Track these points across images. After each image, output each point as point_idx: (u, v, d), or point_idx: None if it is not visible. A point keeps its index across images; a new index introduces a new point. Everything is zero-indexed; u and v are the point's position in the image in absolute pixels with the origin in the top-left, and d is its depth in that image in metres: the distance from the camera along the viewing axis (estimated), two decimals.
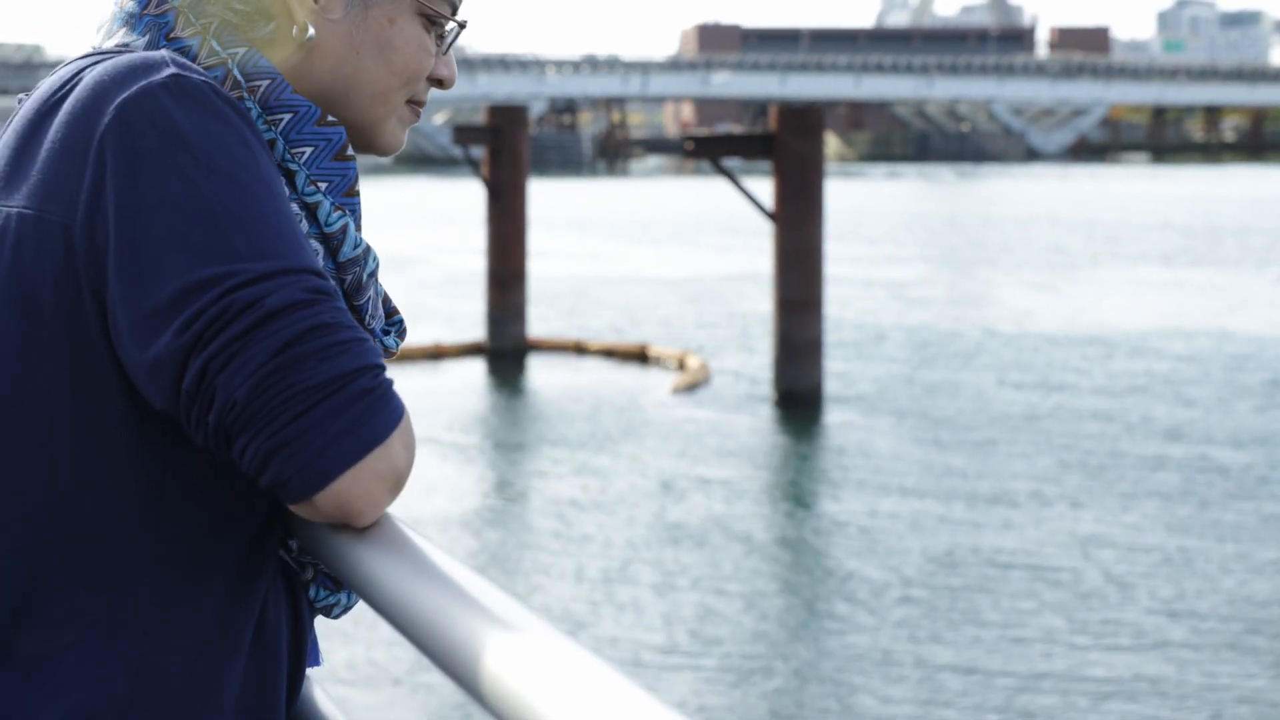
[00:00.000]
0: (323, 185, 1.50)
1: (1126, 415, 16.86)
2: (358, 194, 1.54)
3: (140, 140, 1.37)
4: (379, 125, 1.59)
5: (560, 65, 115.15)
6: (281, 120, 1.50)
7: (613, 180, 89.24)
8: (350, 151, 1.53)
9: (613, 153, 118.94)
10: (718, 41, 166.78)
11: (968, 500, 13.09)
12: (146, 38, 1.52)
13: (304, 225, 1.49)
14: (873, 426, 16.31)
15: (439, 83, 1.63)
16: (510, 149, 22.01)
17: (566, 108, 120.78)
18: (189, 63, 1.46)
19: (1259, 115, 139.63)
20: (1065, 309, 26.18)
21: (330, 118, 1.52)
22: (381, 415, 1.34)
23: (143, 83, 1.40)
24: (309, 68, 1.54)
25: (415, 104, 1.62)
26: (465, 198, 45.23)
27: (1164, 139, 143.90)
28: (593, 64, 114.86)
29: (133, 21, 1.54)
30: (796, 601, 10.39)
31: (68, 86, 1.45)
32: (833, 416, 16.92)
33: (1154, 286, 29.89)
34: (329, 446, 1.31)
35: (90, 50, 1.53)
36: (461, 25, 1.63)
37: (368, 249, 1.52)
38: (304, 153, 1.50)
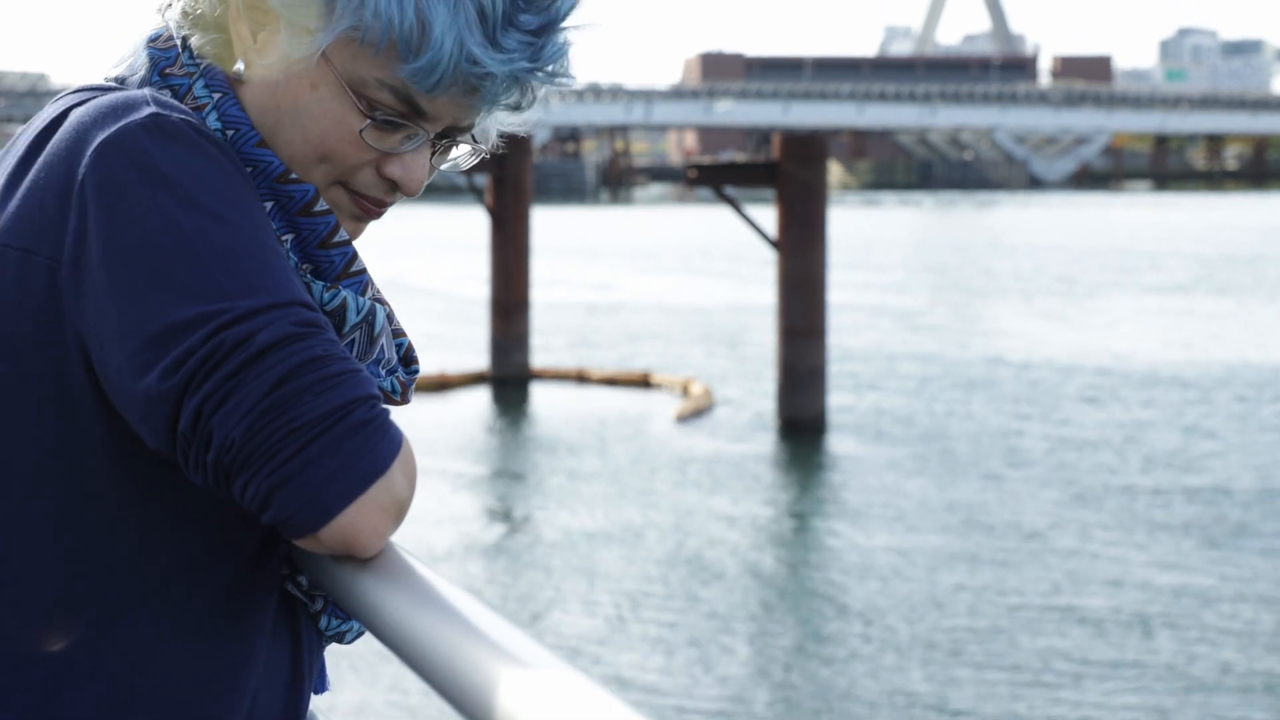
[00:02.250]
0: (289, 238, 1.48)
1: (1135, 446, 16.83)
2: (339, 244, 1.50)
3: (120, 179, 1.36)
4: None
5: (564, 93, 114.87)
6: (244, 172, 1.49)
7: (616, 208, 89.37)
8: (320, 206, 1.49)
9: (616, 181, 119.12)
10: (721, 70, 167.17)
11: (972, 532, 13.06)
12: (142, 73, 1.53)
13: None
14: (876, 455, 16.29)
15: (394, 185, 1.53)
16: (514, 177, 22.04)
17: (570, 136, 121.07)
18: (172, 101, 1.45)
19: (1261, 144, 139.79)
20: (1073, 338, 26.16)
21: (293, 175, 1.48)
22: (380, 445, 1.33)
23: (122, 122, 1.40)
24: (245, 108, 1.50)
25: (360, 196, 1.53)
26: (469, 225, 45.31)
27: (1167, 167, 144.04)
28: (596, 92, 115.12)
29: (139, 52, 1.55)
30: (801, 633, 10.35)
31: (54, 123, 1.45)
32: (836, 445, 16.90)
33: (1164, 315, 29.87)
34: (330, 481, 1.30)
35: (82, 86, 1.52)
36: (446, 135, 1.53)
37: (373, 309, 1.50)
38: (265, 207, 1.48)
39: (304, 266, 1.49)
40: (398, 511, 1.35)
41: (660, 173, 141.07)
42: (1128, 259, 43.88)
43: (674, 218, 73.01)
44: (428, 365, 21.62)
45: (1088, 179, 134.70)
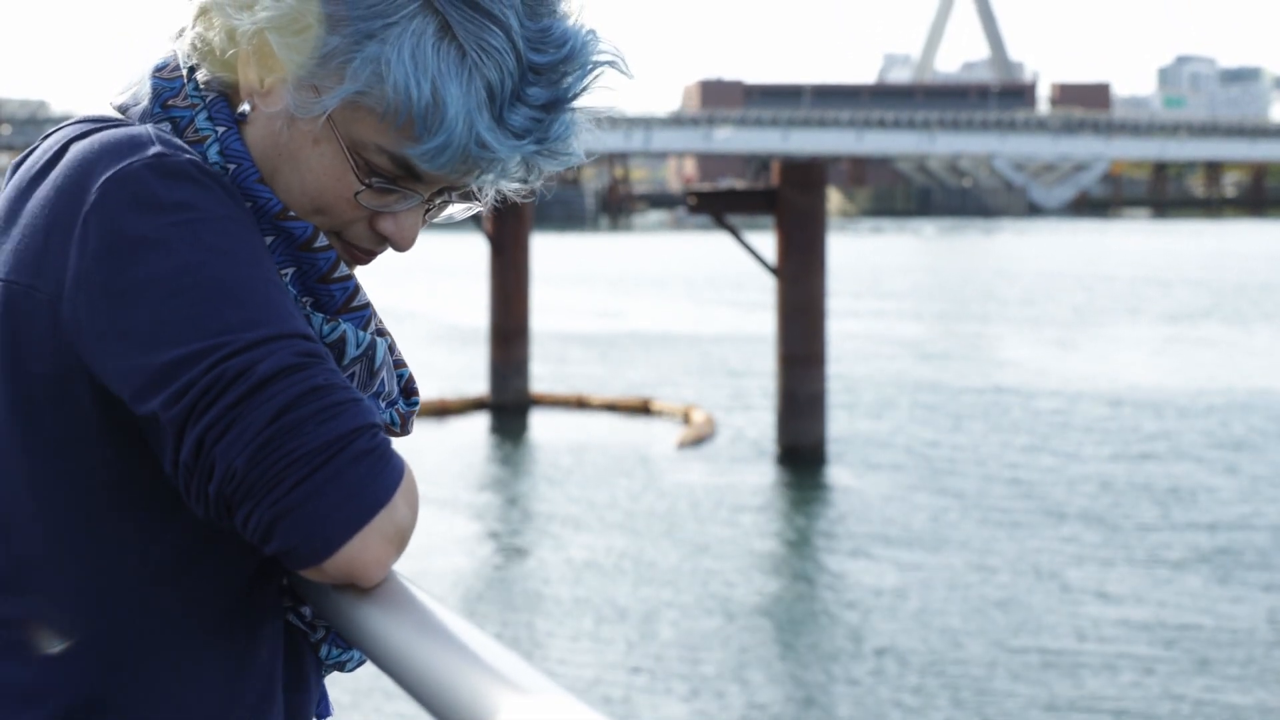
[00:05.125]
0: (289, 270, 1.49)
1: (1144, 477, 16.81)
2: (340, 278, 1.50)
3: (124, 217, 1.37)
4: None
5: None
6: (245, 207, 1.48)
7: (615, 235, 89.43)
8: (321, 243, 1.49)
9: (615, 208, 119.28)
10: (720, 97, 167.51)
11: (974, 562, 13.04)
12: (144, 103, 1.53)
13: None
14: (877, 484, 16.27)
15: (386, 239, 1.54)
16: (513, 204, 21.95)
17: None
18: (174, 139, 1.45)
19: (1260, 171, 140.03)
20: (1081, 366, 26.15)
21: (292, 212, 1.48)
22: (383, 475, 1.33)
23: (126, 161, 1.40)
24: (247, 147, 1.51)
25: (352, 246, 1.54)
26: (468, 252, 45.33)
27: (1165, 194, 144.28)
28: (595, 119, 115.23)
29: (144, 81, 1.55)
30: (802, 664, 10.33)
31: (53, 157, 1.46)
32: (836, 472, 16.88)
33: (1175, 344, 29.86)
34: (334, 512, 1.30)
35: (83, 117, 1.53)
36: (438, 195, 1.53)
37: (373, 343, 1.51)
38: (267, 241, 1.48)
39: (304, 300, 1.49)
40: (401, 541, 1.34)
41: (659, 199, 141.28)
42: (1134, 287, 43.90)
43: (673, 245, 73.07)
44: (428, 391, 21.59)
45: (1086, 206, 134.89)
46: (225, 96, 1.52)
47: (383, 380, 1.54)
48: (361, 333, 1.50)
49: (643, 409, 20.96)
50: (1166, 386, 23.25)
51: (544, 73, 1.44)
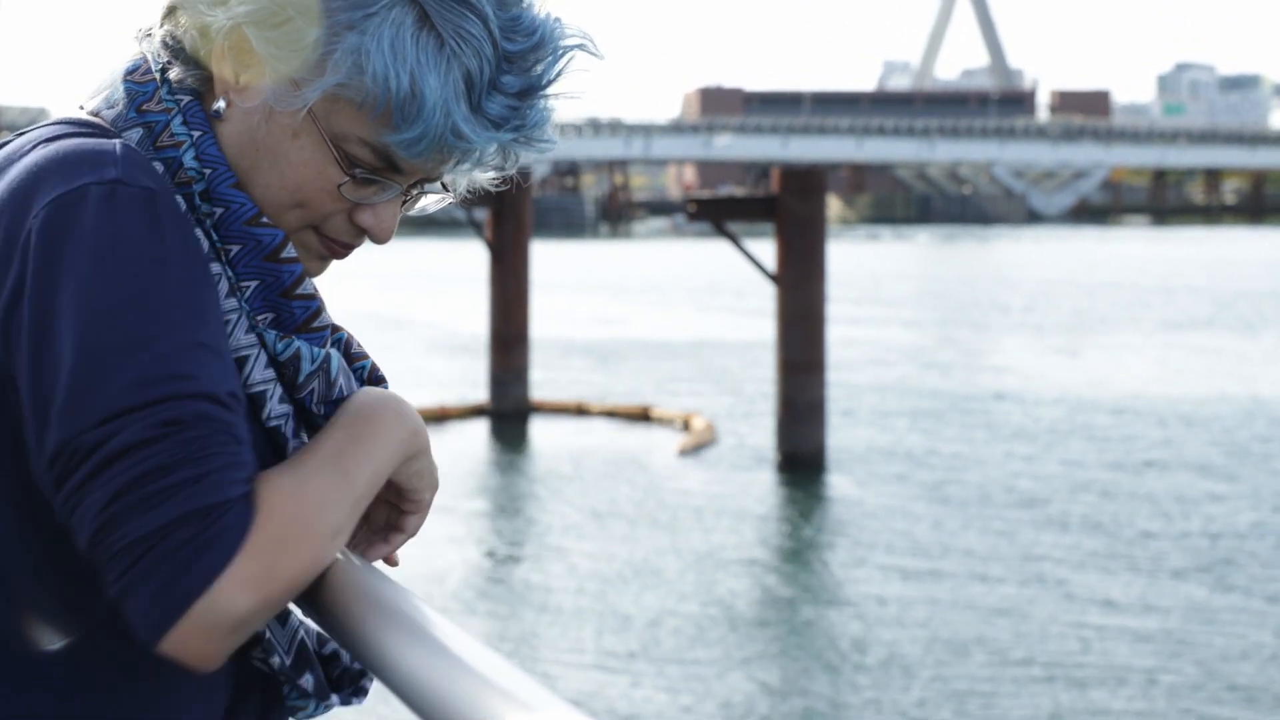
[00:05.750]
0: (252, 284, 1.47)
1: (1147, 486, 16.79)
2: (303, 296, 1.49)
3: (57, 246, 1.35)
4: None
5: (563, 128, 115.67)
6: (215, 213, 1.47)
7: (615, 242, 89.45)
8: (288, 253, 1.48)
9: (615, 215, 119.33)
10: (720, 104, 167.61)
11: (975, 571, 13.02)
12: (119, 108, 1.51)
13: (260, 355, 1.47)
14: (877, 491, 16.26)
15: (365, 231, 1.54)
16: (513, 211, 22.06)
17: (569, 170, 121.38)
18: (140, 156, 1.43)
19: (1259, 178, 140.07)
20: (1077, 373, 26.14)
21: (264, 219, 1.48)
22: (202, 564, 1.29)
23: (80, 182, 1.38)
24: (222, 145, 1.50)
25: (330, 240, 1.54)
26: (468, 259, 45.35)
27: (1165, 201, 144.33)
28: (595, 127, 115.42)
29: (116, 84, 1.53)
30: (803, 673, 10.31)
31: (19, 157, 1.44)
32: (836, 479, 16.87)
33: (1179, 351, 29.85)
34: (150, 608, 1.29)
35: (58, 119, 1.51)
36: (415, 186, 1.54)
37: (328, 356, 1.50)
38: (231, 250, 1.47)
39: (263, 316, 1.48)
40: (234, 626, 1.31)
41: (659, 207, 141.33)
42: (1135, 294, 43.89)
43: (673, 252, 73.09)
44: (427, 398, 21.61)
45: (1086, 213, 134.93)
46: (198, 96, 1.50)
47: (340, 386, 1.52)
48: (317, 349, 1.49)
49: (643, 416, 20.95)
50: (1169, 394, 23.23)
51: (516, 61, 1.45)
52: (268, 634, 1.48)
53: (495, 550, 13.79)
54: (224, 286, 1.46)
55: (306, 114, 1.46)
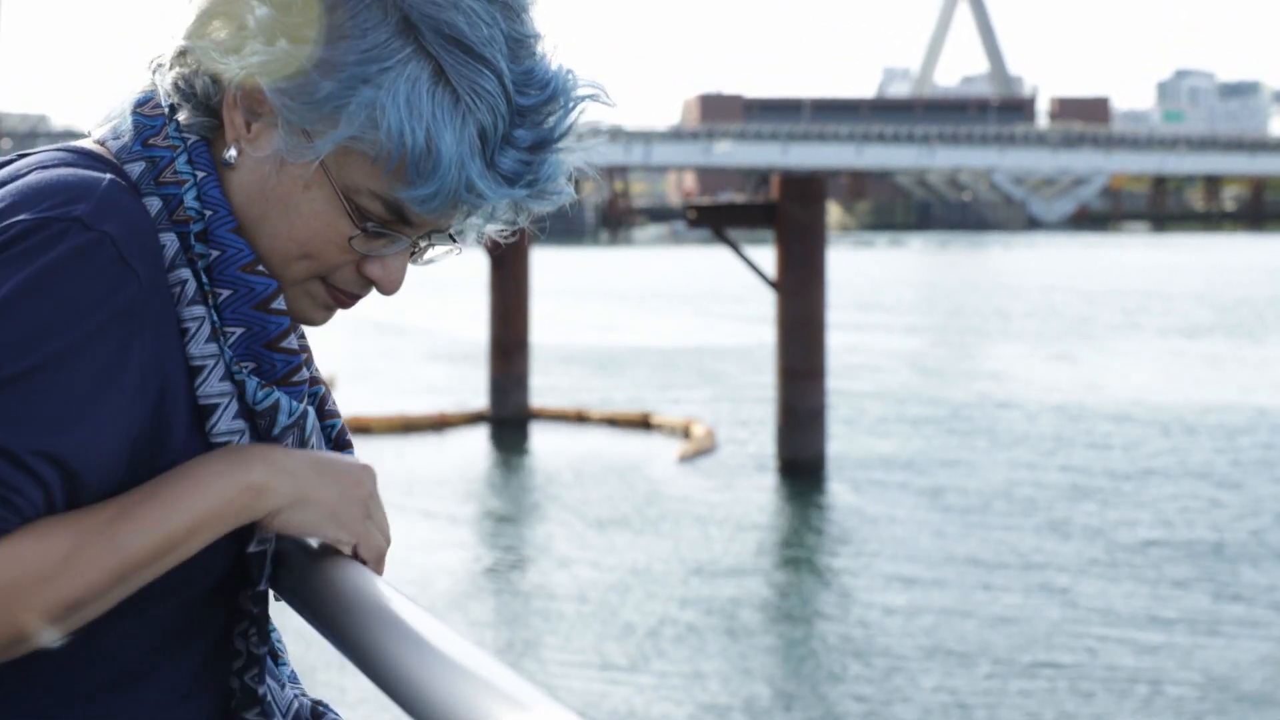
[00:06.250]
0: (237, 331, 1.46)
1: (1149, 495, 16.77)
2: (287, 350, 1.49)
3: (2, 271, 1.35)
4: (280, 286, 1.50)
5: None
6: (210, 255, 1.46)
7: (615, 249, 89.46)
8: (278, 305, 1.48)
9: (615, 221, 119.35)
10: (720, 111, 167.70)
11: (975, 578, 13.01)
12: (125, 139, 1.50)
13: (230, 405, 1.46)
14: (877, 498, 16.24)
15: (372, 283, 1.53)
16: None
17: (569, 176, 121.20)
18: (120, 200, 1.42)
19: (1259, 185, 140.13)
20: (1078, 380, 26.13)
21: (260, 268, 1.47)
22: None
23: (48, 213, 1.37)
24: (230, 192, 1.49)
25: (337, 290, 1.53)
26: (468, 266, 45.39)
27: (1165, 208, 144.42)
28: (595, 133, 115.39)
29: (124, 115, 1.52)
30: (804, 679, 10.30)
31: (12, 179, 1.43)
32: (836, 487, 16.86)
33: (1182, 358, 29.84)
34: None
35: (63, 146, 1.50)
36: (424, 237, 1.53)
37: (305, 412, 1.50)
38: (221, 294, 1.46)
39: (245, 364, 1.47)
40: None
41: (659, 213, 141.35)
42: (1136, 301, 43.87)
43: (673, 258, 73.10)
44: (426, 405, 21.62)
45: (1086, 220, 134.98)
46: (206, 140, 1.50)
47: (312, 444, 1.52)
48: (295, 403, 1.49)
49: (643, 423, 20.94)
50: (1170, 401, 23.22)
51: (529, 115, 1.45)
52: (268, 697, 1.49)
53: (495, 557, 13.78)
54: (205, 330, 1.45)
55: (318, 166, 1.45)
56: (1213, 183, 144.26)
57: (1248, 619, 11.52)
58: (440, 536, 14.17)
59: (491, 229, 1.56)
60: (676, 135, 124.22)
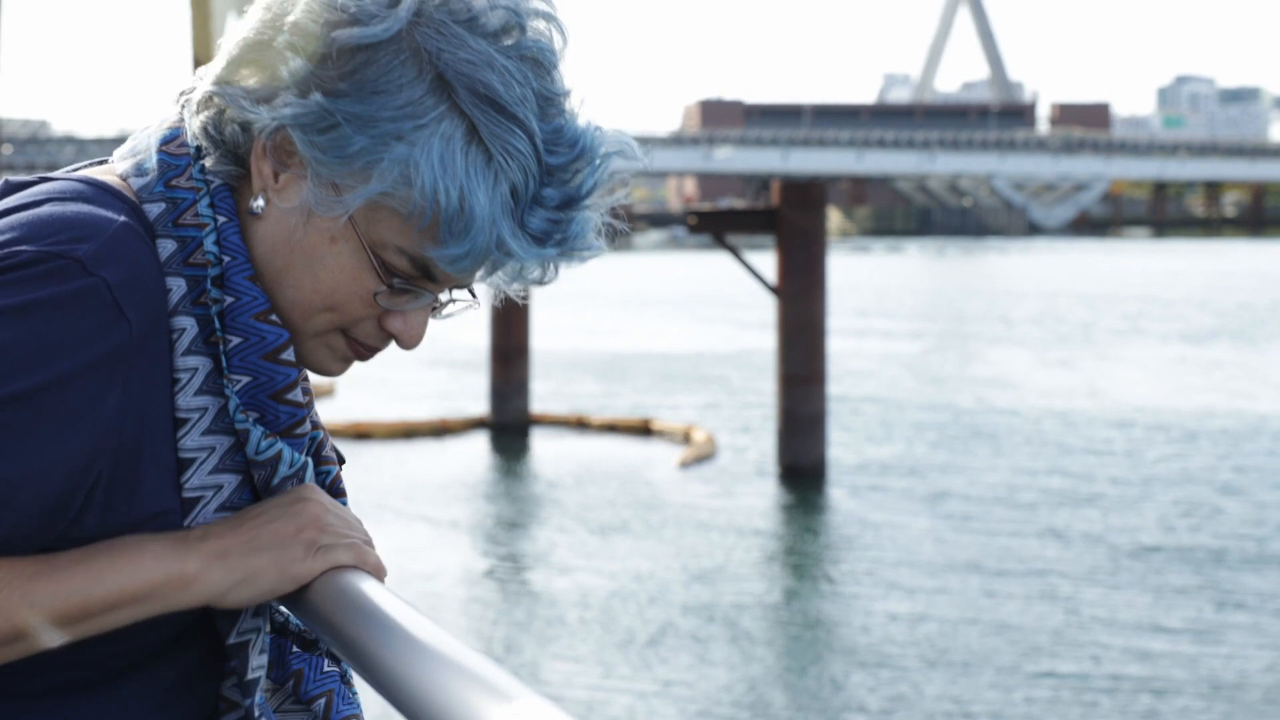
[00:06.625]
0: (243, 379, 1.45)
1: (1151, 500, 16.77)
2: (292, 402, 1.48)
3: None
4: (300, 337, 1.50)
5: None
6: (225, 301, 1.46)
7: (615, 255, 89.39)
8: (287, 356, 1.47)
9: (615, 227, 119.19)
10: (721, 117, 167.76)
11: (976, 584, 13.00)
12: (148, 178, 1.49)
13: (209, 460, 1.45)
14: (877, 504, 16.24)
15: (393, 337, 1.53)
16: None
17: None
18: (128, 245, 1.40)
19: (1259, 191, 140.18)
20: (1080, 386, 26.12)
21: (274, 317, 1.47)
22: None
23: (45, 248, 1.36)
24: (254, 242, 1.49)
25: (357, 343, 1.53)
26: None
27: (1165, 214, 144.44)
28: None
29: (150, 151, 1.51)
30: (805, 685, 10.30)
31: (29, 206, 1.42)
32: (837, 493, 16.85)
33: (1184, 364, 29.83)
34: None
35: (85, 176, 1.48)
36: (442, 293, 1.53)
37: (305, 464, 1.49)
38: (231, 340, 1.45)
39: (248, 413, 1.46)
40: None
41: (660, 219, 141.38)
42: (1137, 306, 43.86)
43: (673, 264, 73.10)
44: (427, 411, 21.62)
45: (1086, 225, 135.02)
46: (230, 188, 1.49)
47: None
48: (297, 455, 1.48)
49: (643, 429, 20.94)
50: (1171, 407, 23.21)
51: (556, 173, 1.44)
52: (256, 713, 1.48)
53: (495, 563, 13.77)
54: (196, 382, 1.44)
55: (346, 220, 1.45)
56: (1213, 188, 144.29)
57: (1251, 626, 11.51)
58: (441, 542, 14.16)
59: (516, 286, 1.55)
60: (677, 141, 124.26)
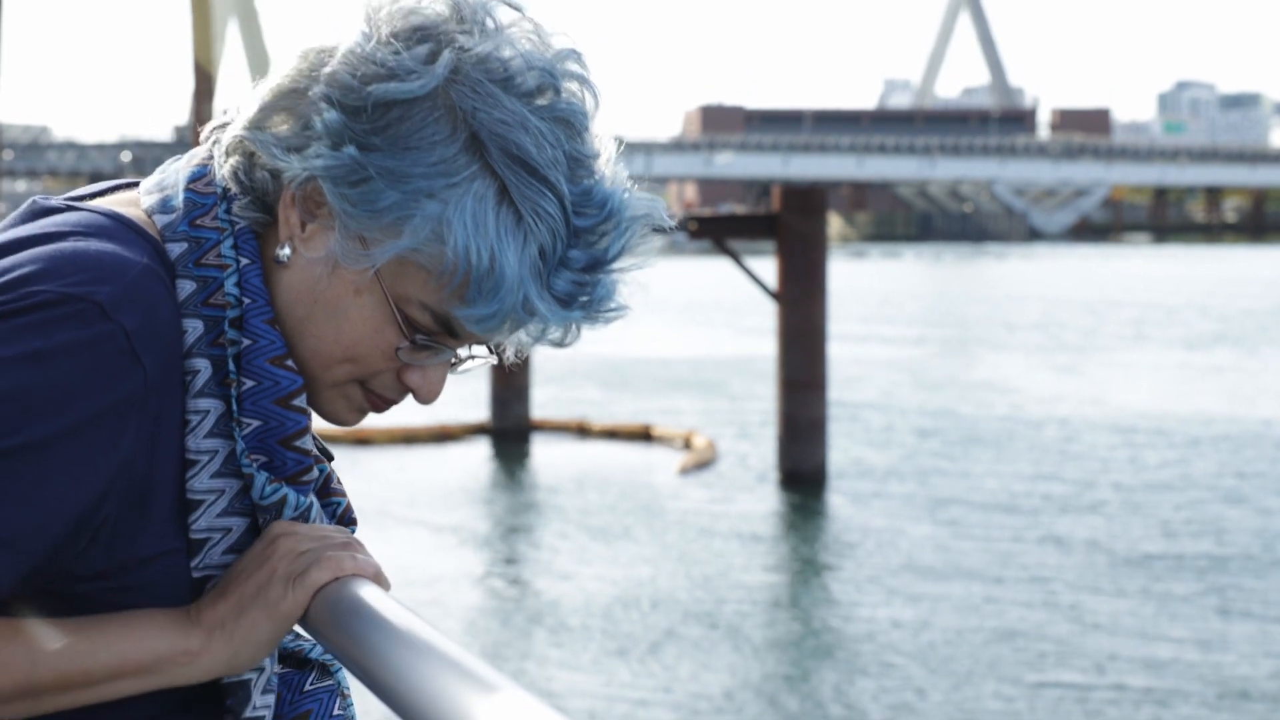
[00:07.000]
0: (253, 423, 1.44)
1: (1148, 506, 16.75)
2: (300, 450, 1.47)
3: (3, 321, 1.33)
4: (317, 387, 1.49)
5: None
6: (241, 343, 1.45)
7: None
8: (299, 402, 1.46)
9: None
10: (721, 122, 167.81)
11: (977, 591, 12.98)
12: (172, 217, 1.47)
13: (218, 502, 1.43)
14: (878, 510, 16.22)
15: (411, 391, 1.52)
16: None
17: None
18: (148, 290, 1.39)
19: (1260, 196, 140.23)
20: (1081, 392, 26.11)
21: (289, 363, 1.46)
22: None
23: (66, 289, 1.34)
24: (277, 290, 1.48)
25: (374, 395, 1.52)
26: None
27: (1166, 219, 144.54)
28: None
29: (177, 189, 1.49)
30: (806, 690, 10.28)
31: (54, 238, 1.40)
32: (837, 498, 16.84)
33: (1187, 370, 29.83)
34: None
35: (111, 212, 1.46)
36: (462, 348, 1.52)
37: (310, 504, 1.48)
38: (245, 383, 1.44)
39: (255, 457, 1.45)
40: None
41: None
42: (1138, 312, 43.86)
43: (674, 270, 73.14)
44: (428, 417, 21.60)
45: (1087, 231, 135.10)
46: (255, 233, 1.48)
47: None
48: (302, 498, 1.47)
49: (644, 435, 20.92)
50: (1173, 413, 23.19)
51: (583, 235, 1.44)
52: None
53: (496, 569, 13.75)
54: (208, 424, 1.42)
55: (372, 273, 1.45)
56: (1214, 194, 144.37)
57: (1254, 633, 11.49)
58: (442, 548, 14.15)
59: (538, 346, 1.54)
60: (677, 146, 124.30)
